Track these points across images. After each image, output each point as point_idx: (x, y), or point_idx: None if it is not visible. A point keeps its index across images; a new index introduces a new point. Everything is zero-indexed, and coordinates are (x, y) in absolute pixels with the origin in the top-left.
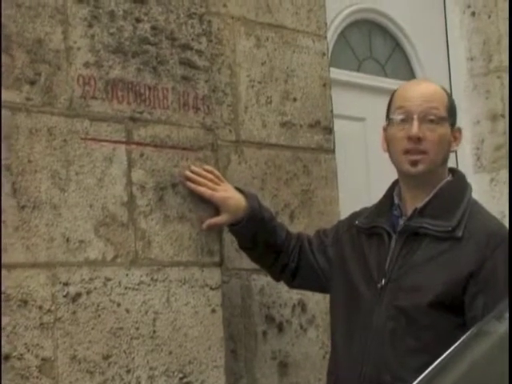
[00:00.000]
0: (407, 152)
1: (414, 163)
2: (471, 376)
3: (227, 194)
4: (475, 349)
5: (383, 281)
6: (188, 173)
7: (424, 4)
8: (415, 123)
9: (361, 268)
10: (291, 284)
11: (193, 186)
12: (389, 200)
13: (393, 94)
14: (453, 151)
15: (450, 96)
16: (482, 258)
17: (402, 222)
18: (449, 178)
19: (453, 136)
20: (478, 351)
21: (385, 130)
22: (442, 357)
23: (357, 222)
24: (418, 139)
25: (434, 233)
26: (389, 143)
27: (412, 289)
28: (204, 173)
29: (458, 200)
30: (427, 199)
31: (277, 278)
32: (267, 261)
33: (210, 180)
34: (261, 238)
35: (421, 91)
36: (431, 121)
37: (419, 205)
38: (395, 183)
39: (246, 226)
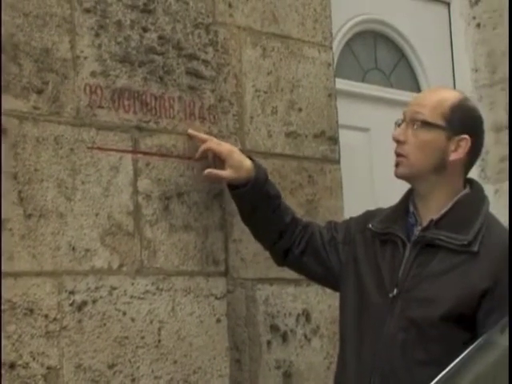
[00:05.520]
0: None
1: (396, 165)
2: None
3: (233, 148)
4: (480, 360)
5: (395, 291)
6: (191, 130)
7: (429, 15)
8: (401, 126)
9: (373, 274)
10: (292, 267)
11: (198, 136)
12: (404, 207)
13: None
14: (454, 161)
15: (460, 105)
16: (498, 275)
17: (416, 231)
18: (466, 189)
19: (456, 145)
20: (482, 363)
21: None
22: (448, 368)
23: (370, 226)
24: (398, 141)
25: (449, 245)
26: None
27: (424, 300)
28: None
29: (475, 213)
30: (444, 211)
31: (279, 262)
32: (268, 240)
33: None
34: (261, 214)
35: (420, 96)
36: (414, 125)
37: (435, 216)
38: (412, 190)
39: (248, 192)
